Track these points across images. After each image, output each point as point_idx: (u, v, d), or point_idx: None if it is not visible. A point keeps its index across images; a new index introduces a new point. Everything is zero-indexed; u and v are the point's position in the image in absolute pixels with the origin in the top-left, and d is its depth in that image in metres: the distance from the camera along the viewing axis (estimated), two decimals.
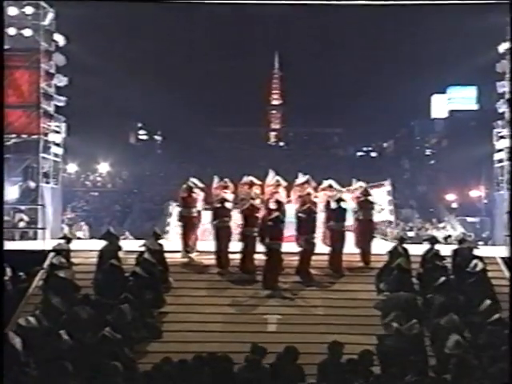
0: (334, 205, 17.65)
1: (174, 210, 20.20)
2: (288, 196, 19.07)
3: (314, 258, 16.98)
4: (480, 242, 23.85)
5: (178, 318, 15.22)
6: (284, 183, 19.27)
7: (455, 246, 16.86)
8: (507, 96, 24.04)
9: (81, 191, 51.33)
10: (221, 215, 17.42)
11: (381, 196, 22.45)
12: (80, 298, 14.52)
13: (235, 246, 17.33)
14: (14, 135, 22.68)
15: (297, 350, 11.92)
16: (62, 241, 16.85)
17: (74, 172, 51.46)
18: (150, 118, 64.34)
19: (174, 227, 19.96)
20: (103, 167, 56.32)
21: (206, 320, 15.17)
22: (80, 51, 27.30)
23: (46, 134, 23.83)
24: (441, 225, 37.13)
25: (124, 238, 23.63)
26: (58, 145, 24.70)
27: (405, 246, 16.59)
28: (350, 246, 17.77)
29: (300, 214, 17.38)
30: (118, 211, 48.18)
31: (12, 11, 22.61)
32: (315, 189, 18.89)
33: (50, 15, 23.94)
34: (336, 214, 17.56)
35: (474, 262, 15.50)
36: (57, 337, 12.75)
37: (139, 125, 73.65)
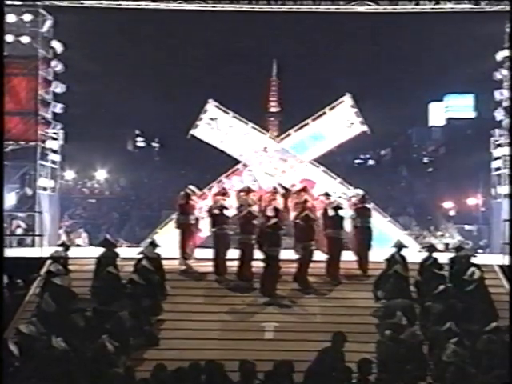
0: (331, 212, 17.64)
1: None
2: (285, 204, 19.00)
3: (311, 265, 16.96)
4: (478, 250, 23.86)
5: (175, 326, 15.19)
6: (281, 190, 19.25)
7: (453, 254, 16.85)
8: (505, 104, 24.10)
9: (78, 198, 51.30)
10: (219, 222, 17.40)
11: (345, 112, 22.77)
12: (77, 305, 14.50)
13: (233, 253, 17.32)
14: (11, 142, 22.66)
15: (292, 364, 11.80)
16: (60, 248, 16.85)
17: (72, 179, 51.46)
18: (147, 125, 64.35)
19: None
20: (101, 174, 56.34)
21: (204, 327, 15.13)
22: (78, 58, 27.30)
23: (43, 141, 23.82)
24: (438, 232, 37.19)
25: (119, 246, 23.64)
26: (55, 152, 24.68)
27: (402, 253, 16.58)
28: (348, 254, 17.77)
29: (297, 221, 17.37)
30: (116, 218, 48.17)
31: (10, 18, 22.61)
32: (312, 196, 18.88)
33: (48, 22, 23.97)
34: (333, 222, 17.54)
35: (472, 270, 15.47)
36: (53, 344, 12.71)
37: (137, 132, 73.65)
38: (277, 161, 23.06)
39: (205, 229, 18.66)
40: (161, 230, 22.89)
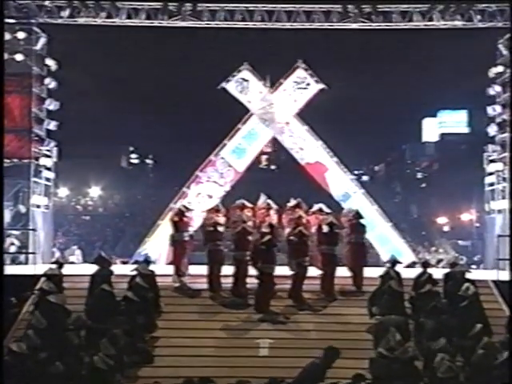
0: (325, 228, 17.62)
1: None
2: (279, 220, 19.02)
3: (306, 281, 16.94)
4: (472, 266, 23.91)
5: (169, 343, 15.14)
6: (275, 206, 19.26)
7: (447, 270, 16.86)
8: (498, 119, 24.17)
9: (72, 215, 51.18)
10: (213, 239, 17.37)
11: (300, 76, 25.21)
12: (71, 323, 14.43)
13: (227, 269, 17.29)
14: (5, 159, 22.61)
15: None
16: (54, 265, 16.80)
17: (66, 196, 51.35)
18: (141, 141, 64.26)
19: None
20: (95, 191, 56.26)
21: (198, 344, 15.09)
22: (72, 75, 27.32)
23: (37, 158, 23.83)
24: (433, 248, 37.22)
25: (113, 263, 23.67)
26: (49, 169, 24.67)
27: (397, 269, 16.57)
28: (342, 270, 17.75)
29: (291, 238, 17.34)
30: (110, 235, 48.06)
31: (4, 36, 22.62)
32: (306, 212, 18.89)
33: (42, 40, 24.04)
34: (327, 238, 17.52)
35: (466, 285, 15.48)
36: (48, 363, 12.65)
37: (131, 149, 73.55)
38: (296, 137, 25.16)
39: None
40: (149, 238, 23.79)
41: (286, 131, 25.46)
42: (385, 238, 24.01)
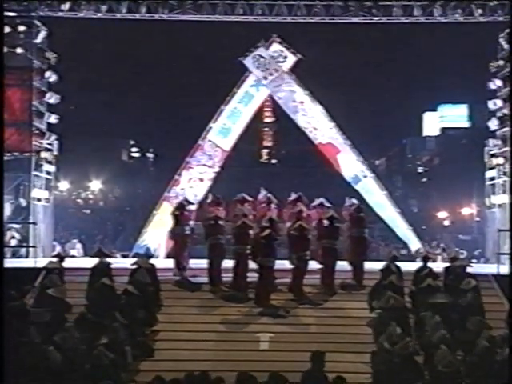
0: (326, 222, 17.61)
1: None
2: (280, 214, 19.01)
3: (306, 275, 16.93)
4: (472, 260, 23.94)
5: (169, 336, 15.15)
6: (275, 201, 19.25)
7: (448, 264, 16.86)
8: (499, 114, 24.15)
9: (73, 209, 51.20)
10: (214, 232, 17.36)
11: (276, 50, 25.94)
12: (72, 316, 14.44)
13: (228, 263, 17.28)
14: (5, 153, 22.59)
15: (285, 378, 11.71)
16: (55, 259, 16.80)
17: (66, 190, 51.36)
18: (142, 135, 64.32)
19: None
20: (95, 185, 56.29)
21: (198, 338, 15.10)
22: (72, 68, 27.29)
23: (37, 152, 23.80)
24: (434, 242, 37.23)
25: (114, 257, 23.71)
26: (49, 162, 24.65)
27: (397, 264, 16.57)
28: (343, 264, 17.74)
29: (292, 232, 17.34)
30: (111, 229, 48.09)
31: (4, 29, 22.58)
32: (307, 206, 18.89)
33: (43, 33, 23.99)
34: (328, 232, 17.51)
35: (467, 279, 15.49)
36: (49, 356, 12.65)
37: (131, 142, 73.58)
38: (310, 117, 25.71)
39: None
40: (146, 228, 24.24)
41: (299, 110, 25.92)
42: (393, 223, 24.70)
